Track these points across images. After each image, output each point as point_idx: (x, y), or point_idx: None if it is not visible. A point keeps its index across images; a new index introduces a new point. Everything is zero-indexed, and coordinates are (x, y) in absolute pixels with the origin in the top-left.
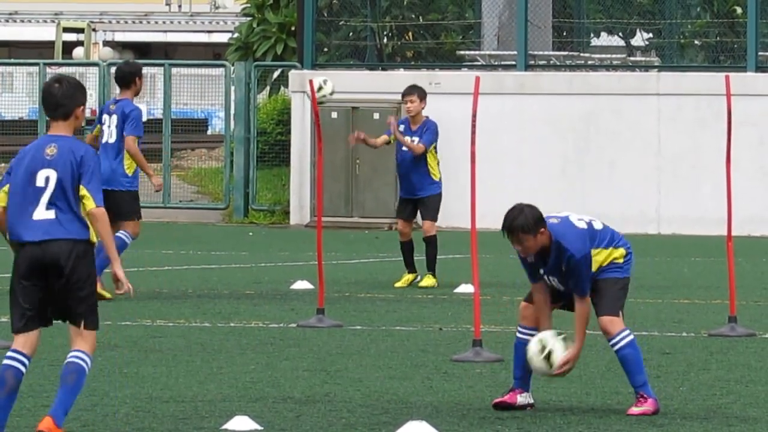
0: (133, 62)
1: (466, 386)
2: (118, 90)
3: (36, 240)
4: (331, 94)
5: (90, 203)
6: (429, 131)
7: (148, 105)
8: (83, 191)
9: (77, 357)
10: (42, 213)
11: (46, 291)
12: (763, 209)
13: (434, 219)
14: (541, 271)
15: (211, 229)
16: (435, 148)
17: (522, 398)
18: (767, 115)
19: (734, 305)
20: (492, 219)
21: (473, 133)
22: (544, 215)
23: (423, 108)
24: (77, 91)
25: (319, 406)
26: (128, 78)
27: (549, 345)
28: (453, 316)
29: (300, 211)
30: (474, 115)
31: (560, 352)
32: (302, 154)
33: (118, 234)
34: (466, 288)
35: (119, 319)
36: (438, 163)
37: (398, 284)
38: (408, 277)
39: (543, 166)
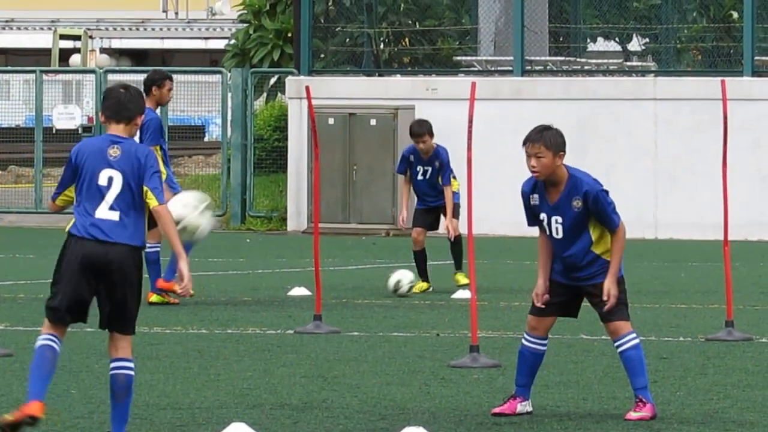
0: (156, 70)
1: (463, 392)
2: None
3: (100, 238)
4: (409, 289)
5: (153, 201)
6: (444, 166)
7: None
8: (146, 189)
9: (124, 368)
10: (105, 213)
11: (94, 289)
12: (759, 214)
13: (458, 217)
14: (542, 216)
15: (208, 235)
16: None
17: (521, 407)
18: (764, 120)
19: (731, 310)
20: (488, 225)
21: (470, 138)
22: None
23: (432, 139)
24: (141, 99)
25: (316, 413)
26: (146, 85)
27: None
28: (450, 321)
29: (297, 218)
30: (470, 121)
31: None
32: (299, 160)
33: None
34: (463, 294)
35: None
36: (454, 177)
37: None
38: (421, 285)
39: None
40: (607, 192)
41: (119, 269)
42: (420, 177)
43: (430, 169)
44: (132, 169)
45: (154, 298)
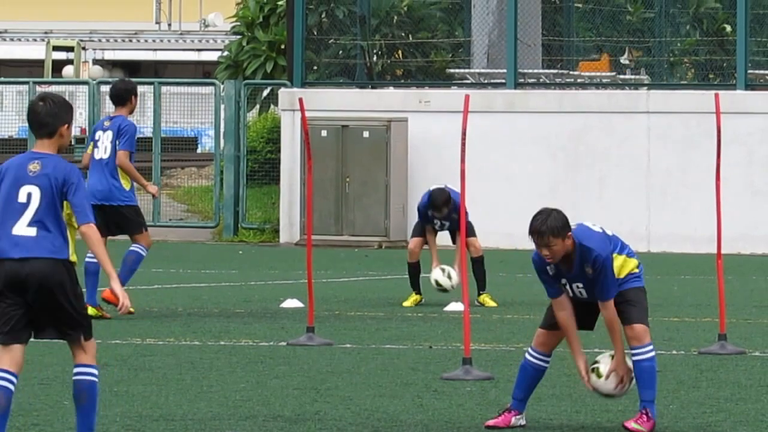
0: (128, 80)
1: (456, 404)
2: (108, 108)
3: (16, 257)
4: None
5: (77, 219)
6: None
7: (138, 123)
8: (70, 208)
9: (85, 373)
10: (23, 229)
11: (26, 308)
12: (752, 227)
13: (474, 235)
14: (563, 281)
15: (201, 247)
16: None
17: (516, 420)
18: (756, 134)
19: (724, 323)
20: (481, 237)
21: (463, 151)
22: None
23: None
24: (62, 109)
25: (309, 425)
26: (123, 95)
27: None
28: (443, 334)
29: (290, 230)
30: (464, 133)
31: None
32: (292, 172)
33: (132, 249)
34: (455, 306)
35: (109, 338)
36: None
37: (406, 304)
38: (415, 298)
39: (533, 184)
40: (612, 258)
41: (42, 282)
42: (438, 227)
43: (448, 223)
44: (50, 183)
45: (89, 310)
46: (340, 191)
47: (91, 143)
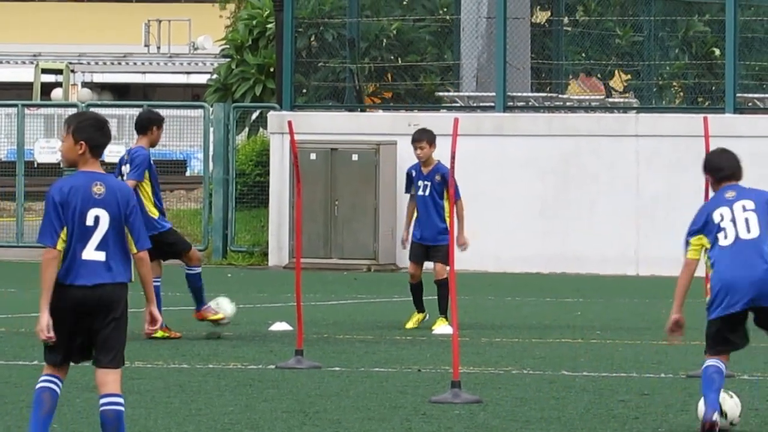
0: (154, 111)
1: (444, 428)
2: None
3: (88, 284)
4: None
5: (133, 247)
6: (446, 180)
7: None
8: (128, 232)
9: (118, 404)
10: (91, 254)
11: (85, 332)
12: None
13: (445, 262)
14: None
15: None
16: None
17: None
18: (745, 157)
19: None
20: (470, 260)
21: (452, 174)
22: None
23: (433, 151)
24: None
25: None
26: (145, 124)
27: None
28: (431, 357)
29: (279, 253)
30: (453, 157)
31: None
32: (281, 195)
33: (188, 272)
34: (444, 329)
35: None
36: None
37: (409, 325)
38: (418, 317)
39: (522, 207)
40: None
41: (108, 308)
42: (420, 192)
43: (429, 183)
44: (116, 206)
45: (159, 333)
46: (329, 214)
47: (118, 176)
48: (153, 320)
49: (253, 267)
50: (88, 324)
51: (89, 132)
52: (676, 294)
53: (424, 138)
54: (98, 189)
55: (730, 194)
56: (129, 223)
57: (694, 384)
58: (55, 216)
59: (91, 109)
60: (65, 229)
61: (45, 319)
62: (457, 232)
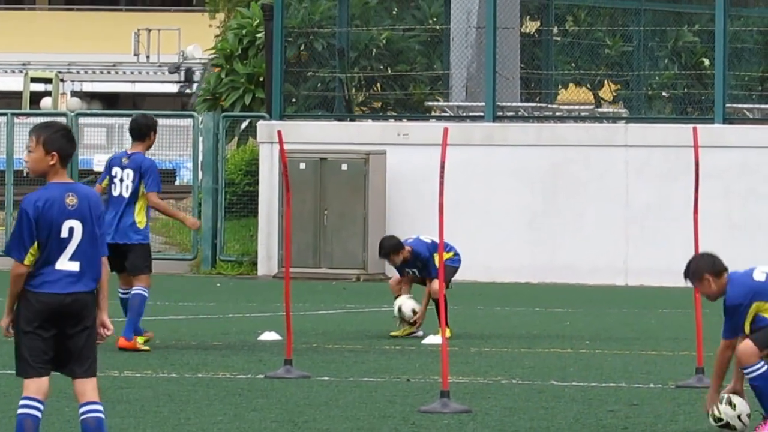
0: (149, 115)
1: None
2: (86, 140)
3: (61, 292)
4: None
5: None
6: (426, 262)
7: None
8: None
9: (98, 411)
10: (65, 264)
11: (56, 340)
12: (729, 261)
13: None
14: None
15: (178, 279)
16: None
17: None
18: (734, 167)
19: (702, 356)
20: (460, 270)
21: (441, 183)
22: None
23: (404, 254)
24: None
25: None
26: (144, 131)
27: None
28: (421, 367)
29: (268, 262)
30: (442, 166)
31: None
32: (270, 204)
33: (136, 291)
34: (433, 339)
35: None
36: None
37: (395, 333)
38: (408, 329)
39: (511, 217)
40: (743, 307)
41: (80, 315)
42: (412, 273)
43: (416, 270)
44: (89, 215)
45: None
46: (318, 224)
47: (107, 177)
48: (104, 327)
49: (242, 276)
50: (60, 332)
51: (60, 143)
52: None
53: (389, 253)
54: (71, 200)
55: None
56: (99, 228)
57: (684, 394)
58: (27, 231)
59: (81, 119)
60: (36, 244)
61: (7, 321)
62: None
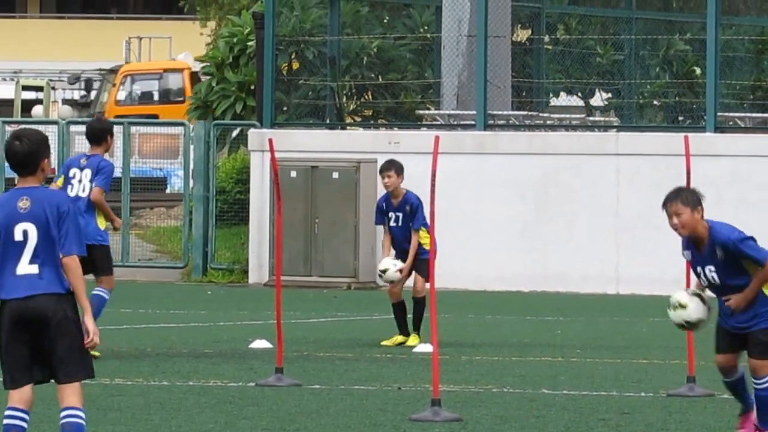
0: (105, 119)
1: None
2: (78, 147)
3: (20, 296)
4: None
5: (62, 248)
6: (415, 210)
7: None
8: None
9: (76, 416)
10: (25, 268)
11: (33, 346)
12: None
13: (426, 278)
14: (698, 270)
15: (169, 287)
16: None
17: None
18: (726, 176)
19: (693, 365)
20: (451, 278)
21: (432, 192)
22: None
23: (401, 182)
24: (39, 145)
25: None
26: (99, 134)
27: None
28: (412, 375)
29: (259, 270)
30: (434, 175)
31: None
32: (261, 212)
33: (95, 293)
34: (424, 347)
35: None
36: (427, 230)
37: (386, 342)
38: (398, 339)
39: (502, 226)
40: (746, 238)
41: (46, 318)
42: (393, 224)
43: (401, 215)
44: (44, 216)
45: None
46: (310, 232)
47: (62, 177)
48: (87, 331)
49: (233, 284)
50: (32, 337)
51: (6, 153)
52: None
53: (392, 167)
54: (23, 204)
55: None
56: (59, 228)
57: (675, 403)
58: None
59: (72, 127)
60: None
61: None
62: (408, 259)
